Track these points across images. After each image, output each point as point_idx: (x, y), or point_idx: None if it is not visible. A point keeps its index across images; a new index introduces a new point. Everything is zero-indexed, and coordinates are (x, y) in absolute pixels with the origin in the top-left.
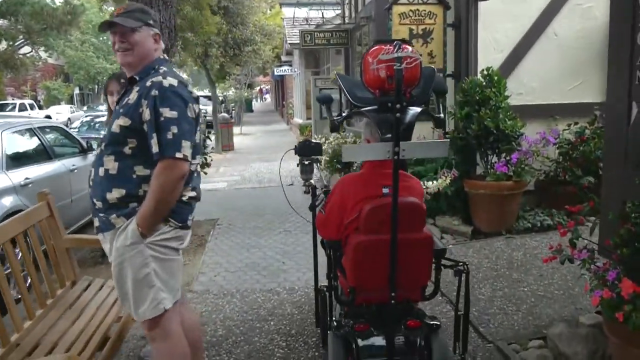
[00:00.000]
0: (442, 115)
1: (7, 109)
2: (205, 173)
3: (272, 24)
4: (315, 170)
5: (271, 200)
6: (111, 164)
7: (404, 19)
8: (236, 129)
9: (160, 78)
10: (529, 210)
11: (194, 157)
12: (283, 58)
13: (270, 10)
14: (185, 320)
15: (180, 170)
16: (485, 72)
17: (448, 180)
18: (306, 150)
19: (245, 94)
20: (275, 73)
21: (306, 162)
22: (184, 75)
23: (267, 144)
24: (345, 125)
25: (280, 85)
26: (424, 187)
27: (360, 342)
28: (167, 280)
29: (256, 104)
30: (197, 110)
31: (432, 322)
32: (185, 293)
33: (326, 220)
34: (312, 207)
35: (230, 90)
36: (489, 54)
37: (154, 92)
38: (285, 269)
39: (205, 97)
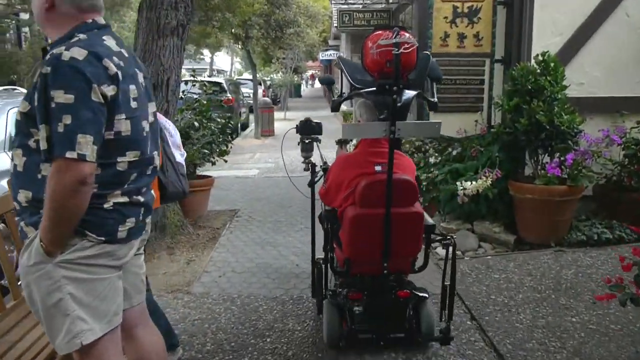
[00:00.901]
0: (435, 99)
1: None
2: (225, 161)
3: (317, 5)
4: (315, 149)
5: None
6: (18, 159)
7: None
8: (280, 114)
9: (62, 49)
10: (585, 220)
11: (124, 153)
12: (330, 42)
13: None
14: (141, 346)
15: (75, 174)
16: (540, 58)
17: (489, 181)
18: (307, 130)
19: (295, 78)
20: (321, 57)
21: (307, 141)
22: (234, 59)
23: None
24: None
25: (329, 71)
26: (461, 187)
27: (354, 309)
28: (95, 306)
29: (305, 89)
30: (119, 92)
31: (420, 293)
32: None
33: (327, 192)
34: (311, 184)
35: (275, 74)
36: (546, 37)
37: (46, 69)
38: (297, 272)
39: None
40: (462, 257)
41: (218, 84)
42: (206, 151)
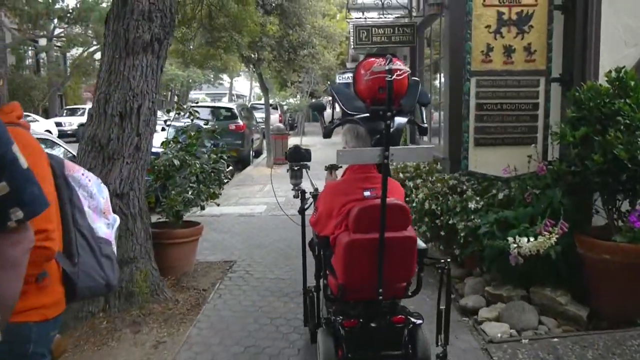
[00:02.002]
0: (425, 124)
1: (77, 114)
2: (217, 205)
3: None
4: (305, 176)
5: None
6: None
7: None
8: (296, 140)
9: None
10: None
11: None
12: (348, 65)
13: (338, 14)
14: None
15: None
16: (613, 75)
17: (554, 239)
18: (296, 157)
19: (313, 101)
20: (337, 81)
21: (296, 168)
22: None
23: (325, 158)
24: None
25: None
26: (515, 245)
27: (349, 337)
28: None
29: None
30: None
31: (416, 320)
32: None
33: (318, 221)
34: (301, 210)
35: (292, 99)
36: (618, 48)
37: None
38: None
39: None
40: (519, 339)
41: (229, 109)
42: (189, 196)
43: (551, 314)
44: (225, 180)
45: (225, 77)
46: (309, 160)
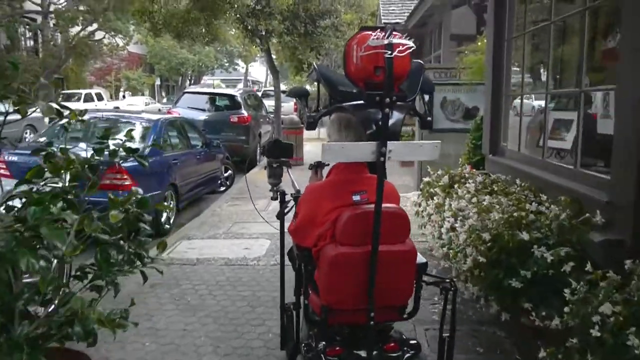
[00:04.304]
0: (429, 116)
1: (73, 99)
2: (161, 271)
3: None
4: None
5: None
6: None
7: None
8: (314, 132)
9: None
10: None
11: None
12: None
13: None
14: None
15: None
16: None
17: None
18: (275, 152)
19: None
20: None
21: (275, 165)
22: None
23: None
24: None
25: None
26: None
27: None
28: None
29: None
30: None
31: (411, 345)
32: None
33: (297, 229)
34: (280, 215)
35: (309, 86)
36: None
37: None
38: None
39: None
40: None
41: (231, 97)
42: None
43: None
44: (222, 188)
45: (240, 62)
46: (291, 156)
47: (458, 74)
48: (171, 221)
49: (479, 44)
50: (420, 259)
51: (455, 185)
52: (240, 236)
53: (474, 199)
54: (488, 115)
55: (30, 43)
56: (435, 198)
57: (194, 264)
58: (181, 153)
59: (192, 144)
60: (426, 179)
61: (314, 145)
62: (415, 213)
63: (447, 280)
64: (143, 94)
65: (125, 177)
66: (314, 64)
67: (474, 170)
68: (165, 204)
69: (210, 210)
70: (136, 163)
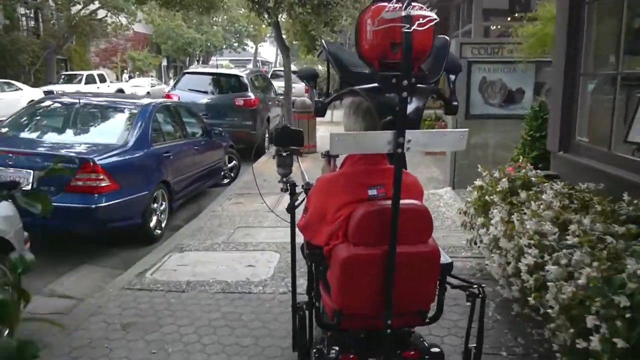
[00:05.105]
0: (456, 101)
1: (75, 81)
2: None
3: None
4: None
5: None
6: None
7: None
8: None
9: None
10: None
11: None
12: None
13: None
14: None
15: None
16: None
17: None
18: (284, 139)
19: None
20: None
21: (284, 154)
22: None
23: None
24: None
25: None
26: None
27: None
28: None
29: None
30: None
31: (433, 355)
32: None
33: (307, 225)
34: (291, 208)
35: (322, 66)
36: None
37: None
38: None
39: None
40: None
41: (236, 77)
42: None
43: None
44: (226, 181)
45: (250, 42)
46: (301, 144)
47: (501, 50)
48: (163, 225)
49: (539, 11)
50: (445, 258)
51: (521, 193)
52: (243, 247)
53: (560, 217)
54: (558, 101)
55: (31, 23)
56: (495, 210)
57: (182, 290)
58: (176, 144)
59: (190, 133)
60: (478, 182)
61: (328, 129)
62: (462, 225)
63: (475, 286)
64: (152, 76)
65: (102, 176)
66: (323, 42)
67: (538, 170)
68: (155, 205)
69: (210, 211)
70: (117, 158)
